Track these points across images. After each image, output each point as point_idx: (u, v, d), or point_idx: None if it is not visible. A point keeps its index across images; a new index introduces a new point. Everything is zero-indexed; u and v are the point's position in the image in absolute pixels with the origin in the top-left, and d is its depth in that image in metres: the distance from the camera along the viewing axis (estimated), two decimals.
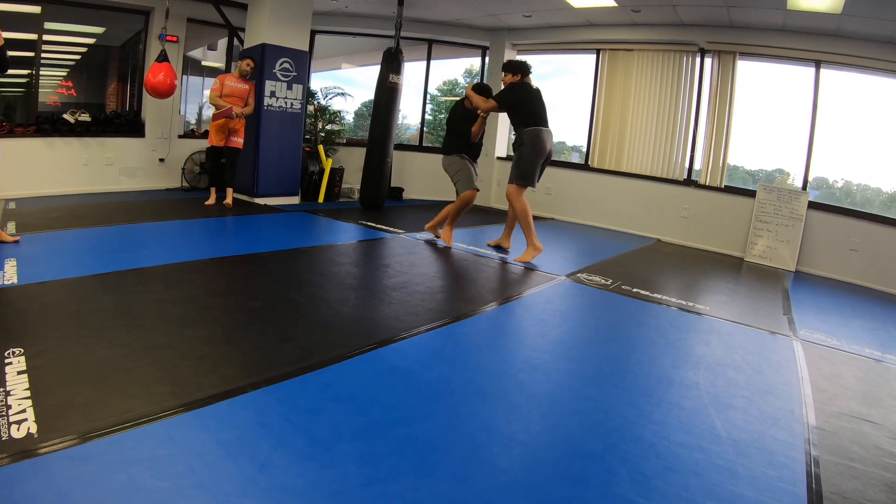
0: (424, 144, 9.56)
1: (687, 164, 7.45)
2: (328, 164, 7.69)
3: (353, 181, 8.29)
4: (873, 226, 6.25)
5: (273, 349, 2.76)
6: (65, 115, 6.66)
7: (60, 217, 5.18)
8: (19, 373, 2.24)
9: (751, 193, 6.94)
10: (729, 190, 7.14)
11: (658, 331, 3.76)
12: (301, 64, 7.14)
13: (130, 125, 7.29)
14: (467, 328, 3.39)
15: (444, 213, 5.56)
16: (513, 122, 5.40)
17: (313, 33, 8.53)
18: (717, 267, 6.28)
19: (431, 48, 8.94)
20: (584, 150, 8.30)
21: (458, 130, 5.53)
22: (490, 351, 3.13)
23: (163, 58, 6.43)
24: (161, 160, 7.49)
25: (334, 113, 8.37)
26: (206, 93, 6.79)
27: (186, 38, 7.64)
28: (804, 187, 6.69)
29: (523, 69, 5.32)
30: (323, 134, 8.19)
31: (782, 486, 2.06)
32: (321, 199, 7.72)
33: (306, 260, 4.59)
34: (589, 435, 2.30)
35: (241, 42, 7.49)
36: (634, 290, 4.63)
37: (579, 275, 4.92)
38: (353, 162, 8.29)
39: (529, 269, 4.96)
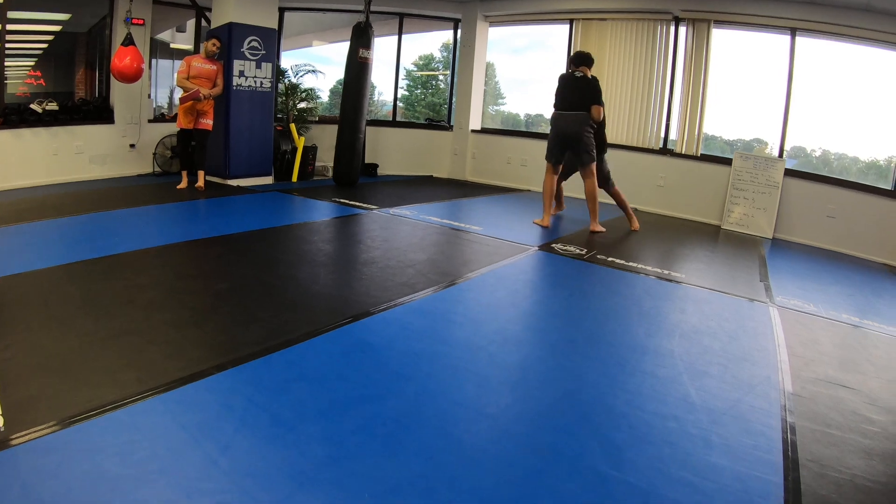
0: (399, 120, 9.39)
1: (663, 134, 7.40)
2: (301, 143, 7.55)
3: (326, 159, 8.13)
4: (850, 192, 6.25)
5: (240, 330, 2.70)
6: (32, 106, 6.44)
7: (30, 209, 4.98)
8: None
9: (727, 161, 6.90)
10: (705, 158, 7.10)
11: (632, 299, 3.73)
12: (269, 42, 6.94)
13: (99, 112, 7.10)
14: (437, 302, 3.32)
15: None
16: None
17: (282, 10, 8.31)
18: (694, 235, 6.27)
19: (403, 22, 8.75)
20: None
21: None
22: (460, 324, 3.06)
23: (129, 41, 6.25)
24: (132, 146, 7.31)
25: (306, 91, 8.20)
26: (176, 76, 6.61)
27: (154, 20, 7.40)
28: (780, 156, 6.67)
29: (572, 60, 5.76)
30: (295, 112, 8.02)
31: (758, 454, 2.03)
32: (295, 178, 7.59)
33: (278, 239, 4.49)
34: (560, 406, 2.26)
35: (209, 22, 7.27)
36: (610, 259, 4.59)
37: (554, 245, 4.87)
38: (326, 139, 8.12)
39: (503, 240, 4.90)
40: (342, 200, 6.14)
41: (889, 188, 6.14)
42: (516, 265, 4.21)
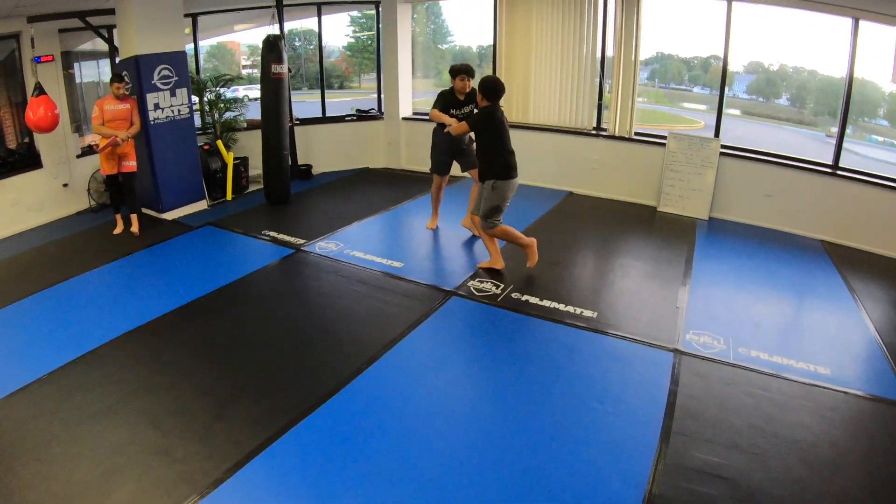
0: (329, 115, 8.89)
1: (595, 114, 7.24)
2: (230, 159, 7.38)
3: (259, 165, 7.91)
4: (787, 171, 6.19)
5: (169, 480, 2.78)
6: None
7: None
8: None
9: (661, 141, 6.78)
10: (639, 140, 6.96)
11: (527, 366, 3.76)
12: (181, 66, 6.62)
13: (25, 159, 6.89)
14: (342, 413, 3.31)
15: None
16: None
17: (195, 16, 7.94)
18: (627, 226, 6.26)
19: (321, 10, 8.33)
20: None
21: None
22: (356, 444, 3.06)
23: (39, 91, 6.04)
24: (65, 185, 7.15)
25: (228, 101, 7.90)
26: (92, 123, 6.30)
27: (66, 42, 7.12)
28: (717, 134, 6.51)
29: None
30: (220, 124, 7.78)
31: None
32: (229, 195, 7.45)
33: (204, 319, 4.42)
34: None
35: (116, 50, 6.96)
36: (524, 297, 4.61)
37: (470, 283, 4.86)
38: (257, 145, 7.79)
39: (420, 284, 4.88)
40: (271, 234, 6.07)
41: (828, 163, 6.07)
42: (429, 327, 4.22)
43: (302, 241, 5.85)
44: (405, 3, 8.21)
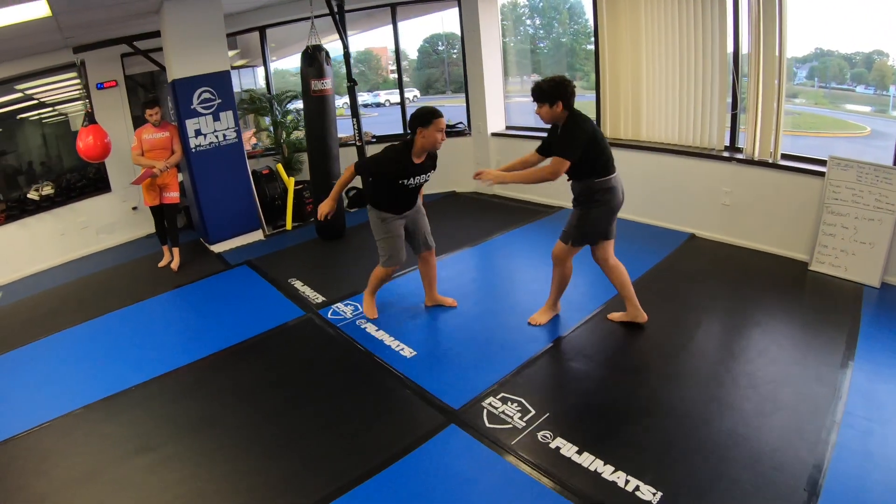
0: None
1: (728, 130, 5.34)
2: (291, 184, 6.66)
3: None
4: None
5: None
6: (29, 195, 6.66)
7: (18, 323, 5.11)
8: None
9: (818, 170, 4.69)
10: (787, 166, 4.90)
11: None
12: (224, 87, 5.98)
13: (95, 183, 7.11)
14: None
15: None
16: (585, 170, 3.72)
17: (262, 29, 7.30)
18: (762, 296, 4.37)
19: (396, 12, 7.23)
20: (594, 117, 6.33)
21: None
22: None
23: (89, 120, 5.93)
24: (134, 208, 7.17)
25: (295, 119, 7.16)
26: (131, 153, 6.01)
27: (134, 65, 7.08)
28: None
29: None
30: (287, 146, 7.08)
31: None
32: (289, 225, 6.80)
33: (144, 412, 3.58)
34: None
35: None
36: (555, 441, 2.96)
37: (488, 401, 3.36)
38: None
39: (421, 395, 3.51)
40: (296, 285, 5.20)
41: None
42: (392, 479, 2.82)
43: (321, 301, 4.89)
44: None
